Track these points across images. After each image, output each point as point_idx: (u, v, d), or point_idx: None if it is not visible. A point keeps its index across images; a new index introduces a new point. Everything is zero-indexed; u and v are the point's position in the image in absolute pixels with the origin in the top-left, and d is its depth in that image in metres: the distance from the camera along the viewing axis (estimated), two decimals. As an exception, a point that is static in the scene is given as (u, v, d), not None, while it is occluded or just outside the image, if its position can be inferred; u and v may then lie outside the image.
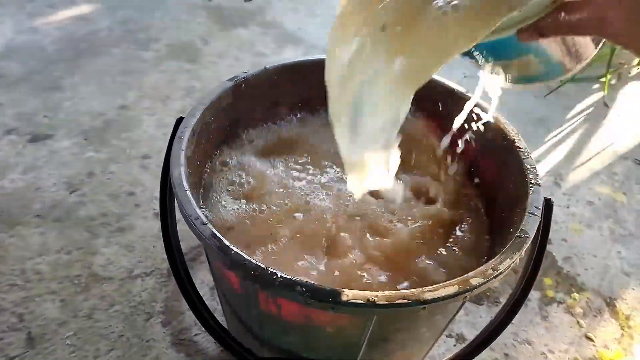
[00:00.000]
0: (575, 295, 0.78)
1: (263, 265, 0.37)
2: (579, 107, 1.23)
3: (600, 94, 1.27)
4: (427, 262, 0.47)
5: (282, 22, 1.43)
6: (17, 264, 0.76)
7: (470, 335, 0.71)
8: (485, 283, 0.38)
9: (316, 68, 0.63)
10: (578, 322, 0.75)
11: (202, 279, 0.76)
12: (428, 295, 0.36)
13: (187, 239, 0.72)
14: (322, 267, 0.46)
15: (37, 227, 0.82)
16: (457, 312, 0.48)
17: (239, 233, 0.49)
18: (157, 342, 0.69)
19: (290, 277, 0.36)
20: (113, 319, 0.71)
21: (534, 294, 0.78)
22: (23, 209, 0.84)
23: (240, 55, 1.29)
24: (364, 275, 0.46)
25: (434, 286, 0.36)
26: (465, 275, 0.38)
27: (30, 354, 0.66)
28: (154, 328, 0.70)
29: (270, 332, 0.51)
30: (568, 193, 0.99)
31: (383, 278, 0.46)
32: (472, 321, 0.73)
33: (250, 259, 0.38)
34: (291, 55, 1.30)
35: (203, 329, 0.69)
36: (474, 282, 0.37)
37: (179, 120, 0.52)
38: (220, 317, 0.71)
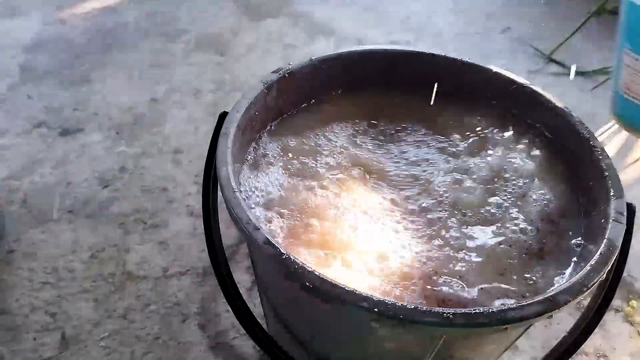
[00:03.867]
0: (634, 302, 0.73)
1: (325, 278, 0.34)
2: (626, 101, 1.17)
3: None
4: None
5: (312, 13, 1.39)
6: (49, 261, 0.75)
7: (525, 346, 0.67)
8: (573, 300, 0.34)
9: (364, 59, 0.60)
10: (638, 331, 0.70)
11: (238, 279, 0.73)
12: (512, 315, 0.32)
13: (223, 237, 0.69)
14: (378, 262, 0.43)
15: (69, 223, 0.80)
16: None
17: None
18: (194, 345, 0.66)
19: (357, 291, 0.33)
20: (149, 319, 0.68)
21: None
22: (54, 205, 0.83)
23: (270, 47, 1.26)
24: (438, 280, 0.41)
25: (519, 304, 0.33)
26: (552, 291, 0.34)
27: (65, 355, 0.64)
28: (191, 330, 0.68)
29: (322, 343, 0.48)
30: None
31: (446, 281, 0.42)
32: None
33: (309, 268, 0.35)
34: (323, 47, 1.26)
35: (241, 332, 0.68)
36: (561, 299, 0.34)
37: (223, 116, 0.49)
38: (260, 320, 0.69)
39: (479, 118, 0.57)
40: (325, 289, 0.34)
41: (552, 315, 0.34)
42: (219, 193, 0.43)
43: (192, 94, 1.08)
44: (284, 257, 0.36)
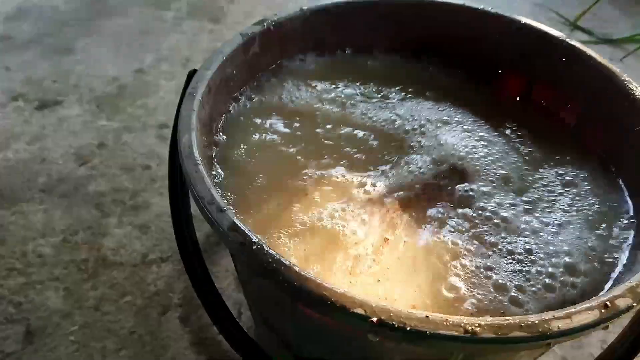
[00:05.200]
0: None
1: (309, 276, 0.26)
2: (660, 70, 1.06)
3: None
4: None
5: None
6: (17, 245, 0.67)
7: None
8: (636, 305, 0.25)
9: (361, 10, 0.51)
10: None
11: (227, 267, 0.66)
12: (557, 325, 0.24)
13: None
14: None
15: (41, 203, 0.72)
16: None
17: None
18: (174, 340, 0.59)
19: (349, 294, 0.24)
20: (124, 311, 0.61)
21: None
22: (27, 183, 0.75)
23: (269, 15, 1.16)
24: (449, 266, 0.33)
25: (565, 311, 0.24)
26: (608, 294, 0.25)
27: (29, 350, 0.57)
28: (171, 324, 0.60)
29: (312, 349, 0.40)
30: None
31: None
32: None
33: (287, 263, 0.26)
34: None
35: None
36: (622, 304, 0.25)
37: (191, 74, 0.41)
38: (248, 313, 0.61)
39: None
40: (308, 290, 0.25)
41: (608, 326, 0.25)
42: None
43: (181, 64, 0.99)
44: (255, 247, 0.28)
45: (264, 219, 0.36)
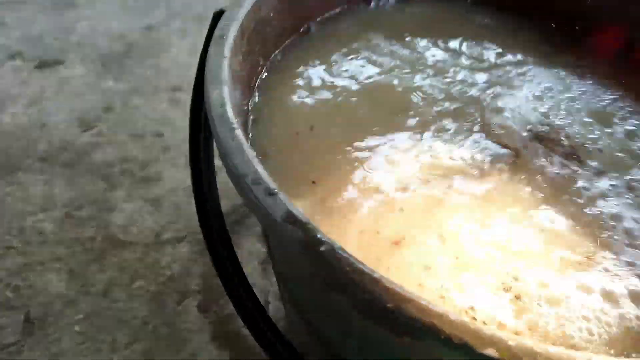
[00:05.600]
0: None
1: (408, 295, 0.17)
2: None
3: None
4: None
5: None
6: (15, 220, 0.60)
7: None
8: None
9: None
10: None
11: (250, 249, 0.58)
12: None
13: (230, 196, 0.53)
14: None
15: (41, 173, 0.65)
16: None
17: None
18: (194, 333, 0.51)
19: (475, 327, 0.16)
20: (135, 299, 0.54)
21: None
22: (25, 151, 0.67)
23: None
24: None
25: None
26: None
27: (28, 343, 0.50)
28: (189, 314, 0.53)
29: (363, 353, 0.32)
30: None
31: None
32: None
33: (374, 275, 0.18)
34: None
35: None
36: None
37: (218, 15, 0.32)
38: (276, 303, 0.54)
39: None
40: (408, 315, 0.17)
41: None
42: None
43: (196, 20, 0.90)
44: (323, 248, 0.19)
45: (316, 202, 0.28)
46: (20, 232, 0.59)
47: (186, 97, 0.74)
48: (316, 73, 0.35)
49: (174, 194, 0.63)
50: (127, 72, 0.79)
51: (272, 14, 0.34)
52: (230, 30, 0.28)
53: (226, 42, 0.27)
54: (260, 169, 0.22)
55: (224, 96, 0.25)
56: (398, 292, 0.18)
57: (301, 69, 0.34)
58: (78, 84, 0.76)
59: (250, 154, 0.23)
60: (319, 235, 0.20)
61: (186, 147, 0.68)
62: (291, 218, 0.21)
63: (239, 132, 0.23)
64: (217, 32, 0.28)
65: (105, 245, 0.58)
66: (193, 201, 0.62)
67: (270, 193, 0.21)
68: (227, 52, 0.27)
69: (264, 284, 0.55)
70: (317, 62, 0.35)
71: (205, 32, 0.87)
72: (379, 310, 0.19)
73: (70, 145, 0.68)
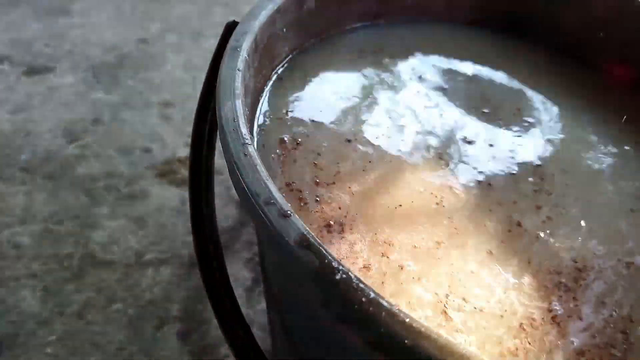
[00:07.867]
0: None
1: (433, 335, 0.16)
2: None
3: None
4: None
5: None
6: (-11, 233, 0.56)
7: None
8: None
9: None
10: None
11: (236, 276, 0.55)
12: None
13: (218, 214, 0.51)
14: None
15: (22, 184, 0.61)
16: None
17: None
18: (171, 361, 0.48)
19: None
20: (112, 322, 0.50)
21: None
22: (6, 159, 0.64)
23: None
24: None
25: None
26: None
27: (-7, 365, 0.47)
28: (168, 341, 0.50)
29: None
30: None
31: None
32: None
33: (394, 310, 0.16)
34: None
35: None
36: None
37: (231, 26, 0.30)
38: (259, 333, 0.51)
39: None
40: (426, 353, 0.15)
41: None
42: (218, 145, 0.25)
43: (191, 36, 0.89)
44: (339, 276, 0.18)
45: (322, 221, 0.26)
46: (-7, 245, 0.55)
47: (177, 113, 0.73)
48: (318, 90, 0.33)
49: (160, 213, 0.60)
50: (118, 84, 0.77)
51: (285, 29, 0.33)
52: (245, 43, 0.27)
53: (240, 54, 0.26)
54: (273, 188, 0.20)
55: (237, 110, 0.23)
56: (417, 328, 0.17)
57: (304, 83, 0.33)
58: (67, 93, 0.74)
59: (263, 172, 0.21)
60: (334, 263, 0.18)
61: (175, 164, 0.66)
62: (305, 242, 0.19)
63: (251, 149, 0.22)
64: (231, 43, 0.27)
65: (83, 264, 0.55)
66: (180, 221, 0.59)
67: (284, 215, 0.20)
68: (240, 65, 0.25)
69: (247, 313, 0.52)
70: (320, 78, 0.34)
71: (199, 50, 0.85)
72: (394, 347, 0.17)
73: (55, 156, 0.65)
